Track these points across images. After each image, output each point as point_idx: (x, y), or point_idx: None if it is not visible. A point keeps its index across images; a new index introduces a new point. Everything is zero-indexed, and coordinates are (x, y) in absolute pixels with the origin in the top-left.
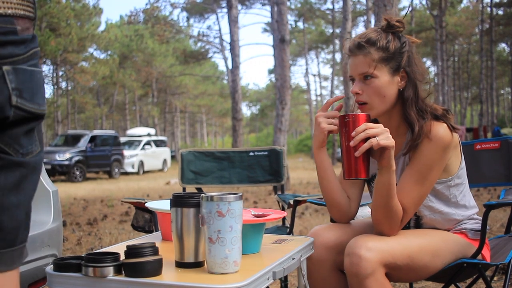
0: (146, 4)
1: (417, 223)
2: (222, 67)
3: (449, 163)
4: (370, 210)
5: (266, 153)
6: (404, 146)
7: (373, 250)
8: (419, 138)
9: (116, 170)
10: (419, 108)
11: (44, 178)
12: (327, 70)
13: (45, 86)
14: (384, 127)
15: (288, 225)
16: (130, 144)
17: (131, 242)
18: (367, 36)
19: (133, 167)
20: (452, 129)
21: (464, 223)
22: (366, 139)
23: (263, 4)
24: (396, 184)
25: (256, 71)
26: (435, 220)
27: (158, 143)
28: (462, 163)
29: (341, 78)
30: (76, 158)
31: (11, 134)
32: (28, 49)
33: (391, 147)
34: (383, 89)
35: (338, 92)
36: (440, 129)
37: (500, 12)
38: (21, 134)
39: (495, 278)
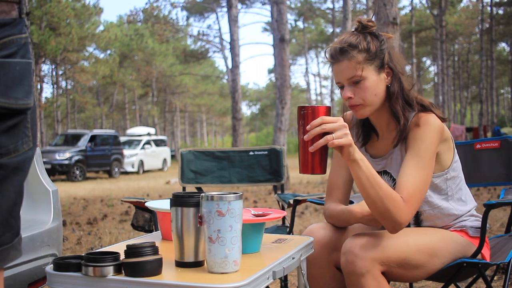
0: (146, 3)
1: (417, 219)
2: (222, 66)
3: (442, 155)
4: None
5: (266, 152)
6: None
7: (368, 249)
8: (405, 130)
9: (116, 169)
10: (406, 100)
11: (44, 177)
12: (327, 70)
13: (32, 78)
14: (375, 125)
15: (288, 225)
16: (130, 143)
17: (131, 242)
18: (347, 40)
19: (133, 166)
20: (442, 120)
21: (464, 221)
22: (323, 134)
23: (263, 4)
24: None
25: (256, 70)
26: (434, 216)
27: (158, 143)
28: (456, 156)
29: None
30: (76, 158)
31: None
32: (0, 36)
33: (348, 146)
34: (374, 88)
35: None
36: (430, 117)
37: (500, 12)
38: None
39: (495, 278)
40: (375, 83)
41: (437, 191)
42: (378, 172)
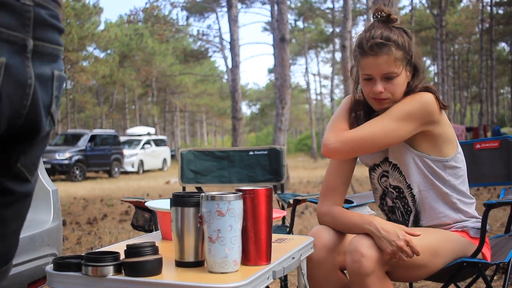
0: (146, 3)
1: (416, 220)
2: (222, 66)
3: (441, 142)
4: (369, 210)
5: (266, 152)
6: None
7: (374, 249)
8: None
9: (116, 169)
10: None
11: (44, 177)
12: (327, 69)
13: None
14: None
15: (288, 224)
16: (130, 143)
17: (131, 242)
18: (385, 34)
19: (133, 166)
20: (442, 106)
21: (465, 222)
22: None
23: (263, 3)
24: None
25: (256, 70)
26: (431, 199)
27: (158, 142)
28: (459, 148)
29: (341, 77)
30: (76, 158)
31: (36, 153)
32: (62, 44)
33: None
34: (402, 85)
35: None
36: (423, 93)
37: (500, 11)
38: (42, 153)
39: (495, 278)
40: (404, 79)
41: (434, 173)
42: (384, 170)
